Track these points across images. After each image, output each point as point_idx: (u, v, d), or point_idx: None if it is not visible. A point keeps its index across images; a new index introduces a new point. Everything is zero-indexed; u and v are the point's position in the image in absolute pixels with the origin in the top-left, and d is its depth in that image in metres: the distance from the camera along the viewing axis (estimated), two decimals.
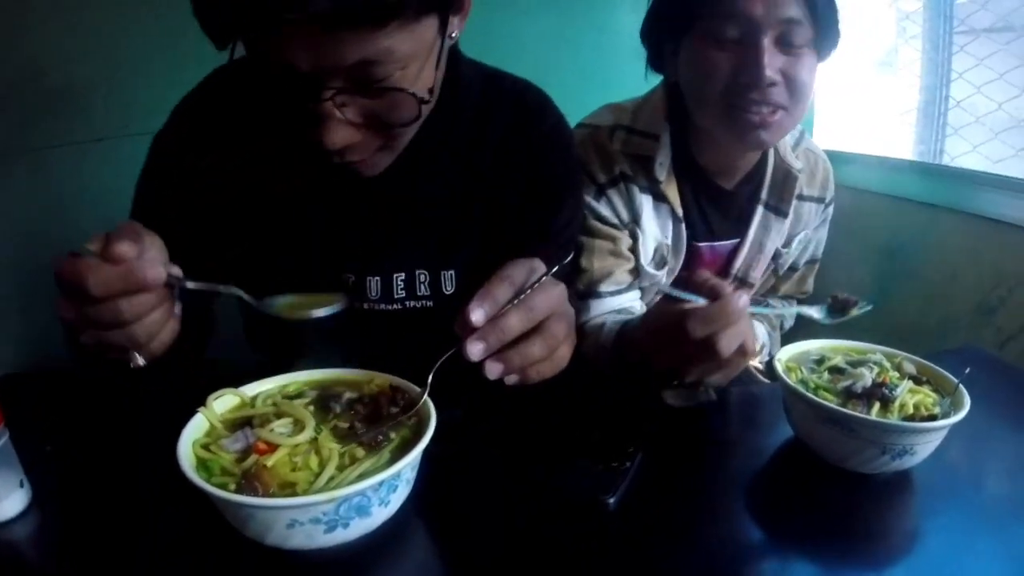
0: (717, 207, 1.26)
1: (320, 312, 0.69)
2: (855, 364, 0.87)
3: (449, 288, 0.98)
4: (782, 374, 0.83)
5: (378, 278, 0.96)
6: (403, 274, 0.96)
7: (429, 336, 0.69)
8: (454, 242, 0.97)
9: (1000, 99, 1.85)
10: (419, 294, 0.97)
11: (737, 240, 1.29)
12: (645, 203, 1.19)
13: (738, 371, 0.86)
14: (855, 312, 0.87)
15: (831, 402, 0.79)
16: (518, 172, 0.98)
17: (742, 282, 1.33)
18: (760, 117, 1.04)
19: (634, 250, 1.22)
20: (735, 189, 1.25)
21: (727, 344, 0.76)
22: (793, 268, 1.42)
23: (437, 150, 0.93)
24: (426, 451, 0.64)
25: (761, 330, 1.38)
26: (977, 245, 1.76)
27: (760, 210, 1.28)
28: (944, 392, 0.83)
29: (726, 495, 0.80)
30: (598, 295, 1.19)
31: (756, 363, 1.28)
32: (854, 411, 0.77)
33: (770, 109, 1.04)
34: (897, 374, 0.85)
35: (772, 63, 1.02)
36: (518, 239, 0.95)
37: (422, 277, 0.97)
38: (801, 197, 1.31)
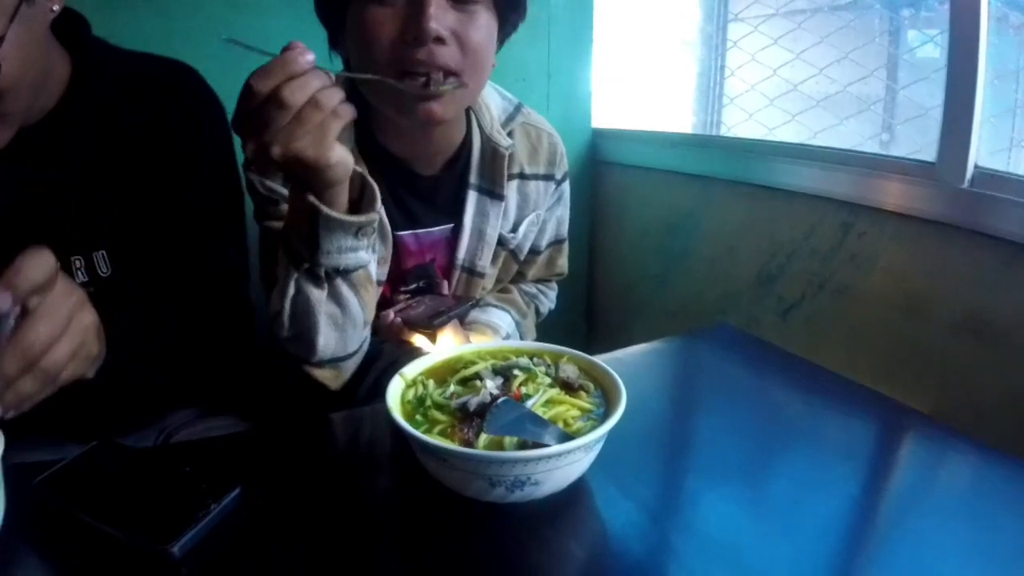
0: (418, 195, 1.13)
1: None
2: (499, 371, 0.73)
3: (104, 270, 0.97)
4: (389, 392, 0.69)
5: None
6: (79, 257, 0.95)
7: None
8: (100, 223, 0.95)
9: (774, 64, 1.79)
10: (79, 281, 0.95)
11: (451, 226, 1.17)
12: None
13: (328, 132, 0.74)
14: None
15: (442, 423, 0.65)
16: (167, 150, 0.97)
17: (471, 272, 1.21)
18: (430, 83, 0.91)
19: None
20: (439, 174, 1.13)
21: (291, 94, 0.69)
22: (535, 251, 1.30)
23: (67, 130, 0.92)
24: None
25: (506, 319, 1.27)
26: (754, 215, 1.69)
27: (472, 195, 1.16)
28: (610, 397, 0.69)
29: (325, 530, 0.64)
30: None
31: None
32: (452, 437, 0.62)
33: (440, 74, 0.91)
34: (548, 380, 0.71)
35: (440, 18, 0.89)
36: (171, 216, 0.97)
37: (77, 263, 0.95)
38: (524, 176, 1.20)
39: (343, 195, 0.82)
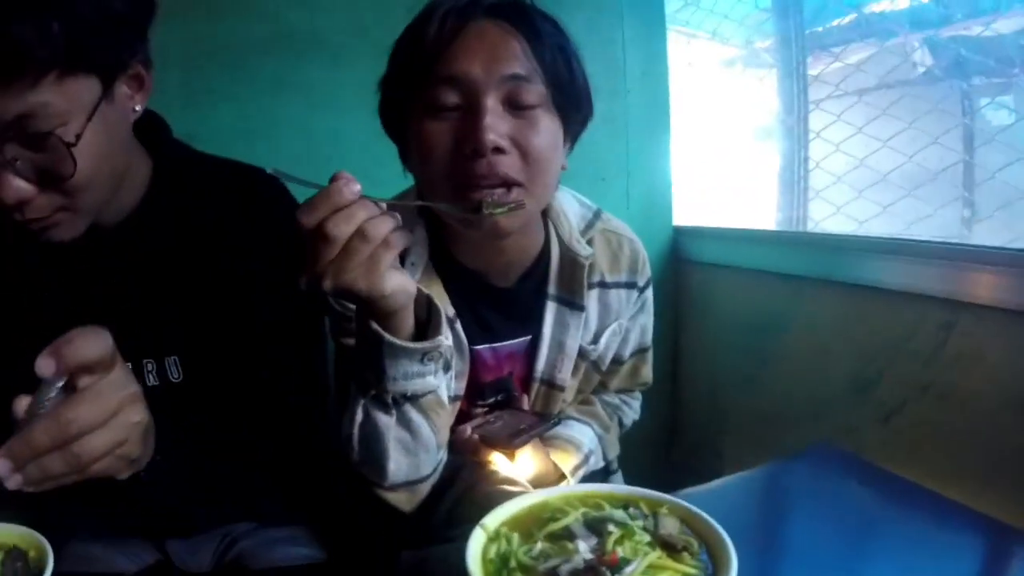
0: (495, 307, 1.12)
1: None
2: (592, 525, 0.67)
3: (176, 376, 0.98)
4: (469, 551, 0.64)
5: (128, 366, 0.90)
6: (129, 364, 0.88)
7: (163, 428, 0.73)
8: (174, 328, 0.97)
9: (860, 155, 1.72)
10: (149, 384, 0.96)
11: (529, 338, 1.15)
12: None
13: (379, 263, 0.73)
14: None
15: None
16: (245, 260, 0.98)
17: (551, 385, 1.18)
18: (492, 198, 0.90)
19: None
20: (516, 286, 1.12)
21: (336, 227, 0.70)
22: (617, 361, 1.26)
23: (145, 232, 0.95)
24: None
25: (588, 433, 1.23)
26: (847, 315, 1.61)
27: (551, 306, 1.14)
28: (717, 557, 0.63)
29: None
30: None
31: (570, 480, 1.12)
32: None
33: (504, 188, 0.91)
34: (648, 536, 0.65)
35: (497, 127, 0.89)
36: (247, 327, 0.97)
37: (149, 366, 0.97)
38: (605, 285, 1.17)
39: (407, 320, 0.82)
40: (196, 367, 0.99)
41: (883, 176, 1.67)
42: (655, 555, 0.63)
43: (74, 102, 0.76)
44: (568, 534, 0.66)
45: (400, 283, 0.76)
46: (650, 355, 1.32)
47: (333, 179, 0.71)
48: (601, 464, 1.25)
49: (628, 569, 0.60)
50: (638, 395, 1.38)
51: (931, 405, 1.42)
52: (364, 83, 1.05)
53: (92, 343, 0.62)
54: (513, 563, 0.64)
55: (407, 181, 1.09)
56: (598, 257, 1.16)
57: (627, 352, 1.27)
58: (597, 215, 1.19)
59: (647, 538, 0.65)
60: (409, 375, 0.83)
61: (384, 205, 0.75)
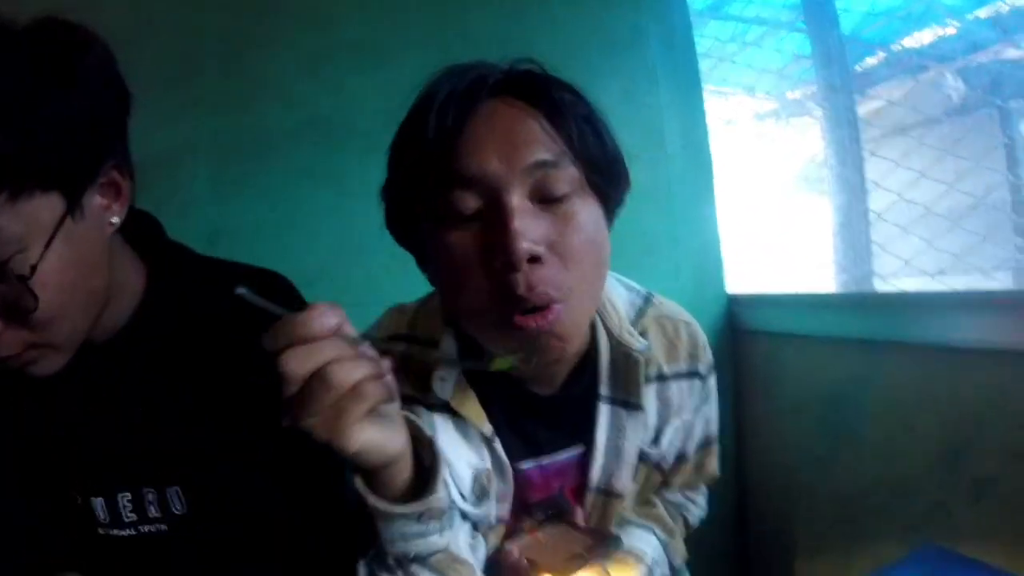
0: (540, 418, 0.99)
1: None
2: None
3: (179, 508, 0.89)
4: None
5: (101, 499, 0.88)
6: (128, 493, 0.88)
7: (169, 568, 0.70)
8: (174, 455, 0.88)
9: (926, 200, 1.60)
10: (150, 516, 0.89)
11: (581, 449, 1.02)
12: (441, 425, 0.93)
13: (343, 414, 0.62)
14: None
15: None
16: (249, 373, 0.85)
17: (608, 494, 1.04)
18: (533, 319, 0.77)
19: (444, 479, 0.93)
20: (562, 392, 0.98)
21: (289, 363, 0.60)
22: (682, 459, 1.12)
23: (139, 348, 0.86)
24: None
25: (652, 542, 1.09)
26: (931, 380, 1.43)
27: (605, 408, 1.00)
28: None
29: None
30: None
31: None
32: None
33: (545, 305, 0.78)
34: None
35: (529, 231, 0.76)
36: (253, 454, 0.87)
37: (150, 496, 0.89)
38: (663, 378, 1.04)
39: (397, 476, 0.72)
40: (200, 499, 0.89)
41: (955, 223, 1.55)
42: None
43: (32, 225, 0.68)
44: None
45: (374, 441, 0.65)
46: (716, 447, 1.18)
47: (310, 307, 0.62)
48: (667, 574, 1.11)
49: None
50: (703, 490, 1.24)
51: None
52: None
53: None
54: None
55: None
56: (654, 348, 1.03)
57: (692, 448, 1.13)
58: (648, 301, 1.08)
59: None
60: (408, 536, 0.73)
61: (368, 345, 0.65)
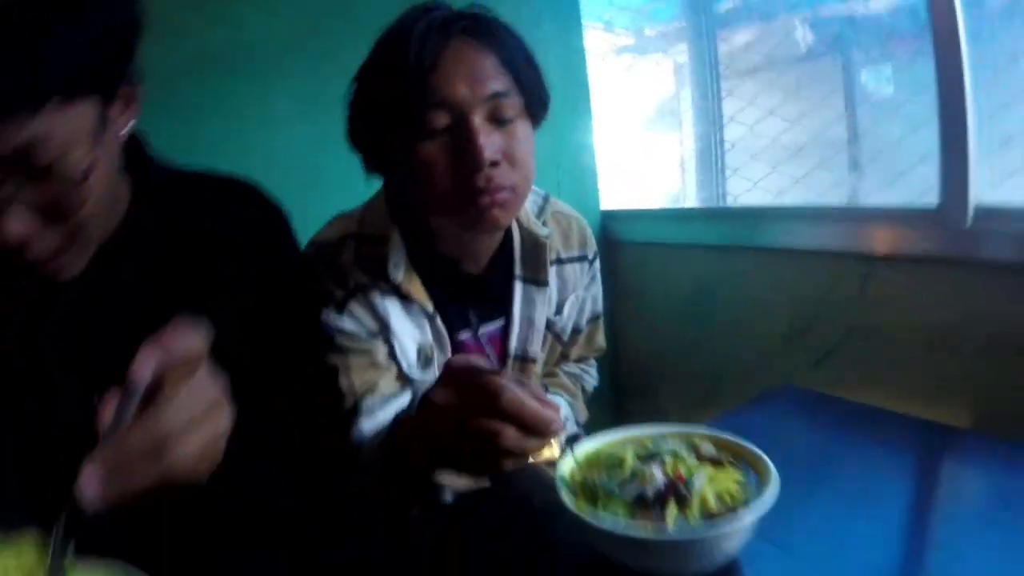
0: (471, 293, 1.20)
1: None
2: (647, 458, 0.79)
3: None
4: (566, 500, 0.75)
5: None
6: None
7: None
8: None
9: (773, 134, 1.92)
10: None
11: (503, 320, 1.24)
12: (391, 307, 1.13)
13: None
14: None
15: (621, 514, 0.72)
16: (233, 267, 0.95)
17: (524, 359, 1.27)
18: (490, 199, 1.00)
19: (393, 357, 1.14)
20: (485, 271, 1.20)
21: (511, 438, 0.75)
22: (577, 331, 1.37)
23: (129, 253, 0.88)
24: None
25: (561, 401, 1.33)
26: (775, 277, 1.80)
27: (519, 286, 1.23)
28: (751, 466, 0.77)
29: None
30: (368, 411, 1.09)
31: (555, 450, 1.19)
32: (645, 521, 0.70)
33: (499, 191, 1.00)
34: (695, 460, 0.78)
35: (490, 143, 0.98)
36: (242, 333, 0.91)
37: None
38: (560, 261, 1.28)
39: None
40: None
41: (797, 151, 1.88)
42: (708, 470, 0.75)
43: (77, 129, 0.70)
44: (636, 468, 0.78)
45: None
46: (602, 322, 1.44)
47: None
48: (575, 429, 1.36)
49: (696, 481, 0.72)
50: (594, 362, 1.49)
51: (855, 348, 1.64)
52: (299, 96, 1.07)
53: (194, 338, 0.59)
54: (602, 494, 0.75)
55: (344, 190, 1.19)
56: (553, 237, 1.26)
57: (584, 320, 1.38)
58: (547, 200, 1.31)
59: (695, 460, 0.78)
60: None
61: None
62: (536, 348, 1.26)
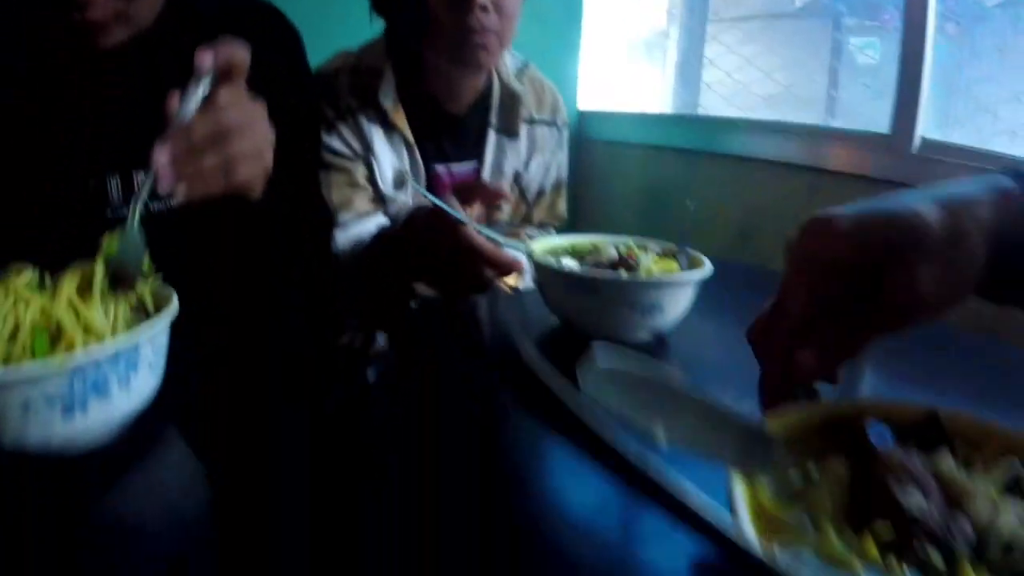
0: (449, 132, 1.31)
1: None
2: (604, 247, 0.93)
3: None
4: (536, 255, 0.87)
5: (117, 178, 0.90)
6: (142, 172, 0.90)
7: (177, 242, 0.69)
8: None
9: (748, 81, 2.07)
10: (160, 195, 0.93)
11: (475, 163, 1.35)
12: (375, 133, 1.24)
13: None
14: None
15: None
16: (259, 76, 0.99)
17: (490, 207, 1.37)
18: (479, 39, 1.13)
19: (372, 180, 1.25)
20: (465, 114, 1.31)
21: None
22: (540, 192, 1.49)
23: (172, 41, 0.89)
24: None
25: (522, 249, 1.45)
26: (733, 182, 1.95)
27: (492, 134, 1.35)
28: (693, 265, 0.89)
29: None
30: (342, 226, 1.20)
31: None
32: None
33: (486, 34, 1.13)
34: (651, 252, 0.90)
35: None
36: None
37: None
38: (532, 121, 1.39)
39: None
40: None
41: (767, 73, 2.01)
42: (655, 256, 0.88)
43: None
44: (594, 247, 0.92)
45: None
46: (565, 191, 1.54)
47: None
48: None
49: (644, 260, 0.85)
50: (553, 232, 1.55)
51: None
52: None
53: (241, 47, 0.65)
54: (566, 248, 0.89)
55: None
56: (528, 97, 1.37)
57: (548, 183, 1.48)
58: (526, 64, 1.42)
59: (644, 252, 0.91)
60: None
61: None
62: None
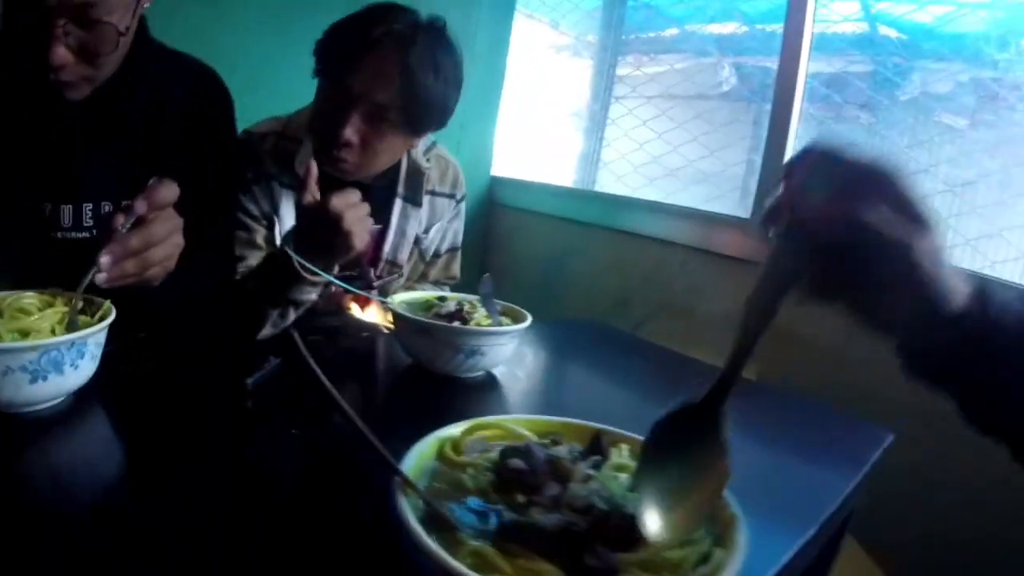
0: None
1: None
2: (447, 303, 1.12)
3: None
4: (393, 305, 1.07)
5: (70, 207, 1.09)
6: (91, 204, 1.11)
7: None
8: (135, 177, 1.01)
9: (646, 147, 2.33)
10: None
11: (382, 227, 1.51)
12: (285, 197, 1.39)
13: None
14: None
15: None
16: (194, 129, 1.18)
17: (392, 264, 1.56)
18: (341, 159, 1.29)
19: (272, 241, 1.39)
20: (373, 183, 1.45)
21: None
22: (436, 255, 1.67)
23: (126, 97, 1.11)
24: None
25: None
26: (618, 253, 2.18)
27: (398, 201, 1.52)
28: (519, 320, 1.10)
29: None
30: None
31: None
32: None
33: (345, 162, 1.30)
34: (483, 312, 1.11)
35: (353, 130, 1.26)
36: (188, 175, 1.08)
37: (106, 207, 1.12)
38: (434, 193, 1.58)
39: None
40: None
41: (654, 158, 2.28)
42: (483, 313, 1.08)
43: (124, 1, 0.93)
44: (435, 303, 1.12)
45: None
46: (459, 255, 1.72)
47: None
48: None
49: (475, 315, 1.05)
50: (447, 289, 1.71)
51: (667, 319, 2.02)
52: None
53: (170, 190, 0.87)
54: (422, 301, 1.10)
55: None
56: (432, 172, 1.56)
57: (444, 247, 1.67)
58: (434, 144, 1.61)
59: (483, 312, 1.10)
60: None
61: None
62: (404, 256, 1.55)
